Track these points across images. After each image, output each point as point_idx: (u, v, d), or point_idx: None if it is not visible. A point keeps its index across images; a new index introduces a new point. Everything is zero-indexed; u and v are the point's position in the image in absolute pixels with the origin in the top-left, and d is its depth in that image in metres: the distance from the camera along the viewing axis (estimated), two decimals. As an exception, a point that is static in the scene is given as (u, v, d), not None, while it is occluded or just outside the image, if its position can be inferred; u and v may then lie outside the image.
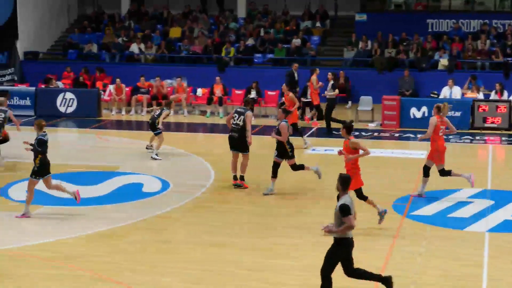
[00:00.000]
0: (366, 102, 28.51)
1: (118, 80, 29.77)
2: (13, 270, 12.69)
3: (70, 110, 28.40)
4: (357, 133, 24.71)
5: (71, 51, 34.49)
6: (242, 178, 18.17)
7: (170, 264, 12.93)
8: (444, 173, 17.01)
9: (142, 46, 33.66)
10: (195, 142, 25.11)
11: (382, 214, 14.83)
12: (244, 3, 36.54)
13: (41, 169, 15.52)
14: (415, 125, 26.07)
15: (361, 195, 14.75)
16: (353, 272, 10.98)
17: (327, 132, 25.01)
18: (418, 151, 22.09)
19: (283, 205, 16.81)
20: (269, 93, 29.30)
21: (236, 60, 33.02)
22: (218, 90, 29.28)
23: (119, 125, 27.55)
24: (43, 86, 30.59)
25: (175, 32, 34.92)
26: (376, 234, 14.61)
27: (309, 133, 25.50)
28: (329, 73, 25.80)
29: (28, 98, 29.09)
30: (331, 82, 25.23)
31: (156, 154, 21.22)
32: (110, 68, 32.75)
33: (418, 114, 26.50)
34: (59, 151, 21.51)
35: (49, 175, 15.66)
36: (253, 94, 28.65)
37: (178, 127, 27.46)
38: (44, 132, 15.58)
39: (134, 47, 33.61)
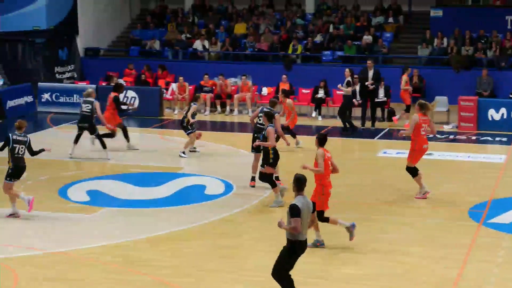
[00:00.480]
0: (441, 102, 27.39)
1: (181, 78, 29.46)
2: (70, 274, 12.64)
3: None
4: (431, 136, 23.73)
5: (133, 47, 34.05)
6: (277, 178, 17.49)
7: (234, 270, 12.81)
8: (410, 171, 16.84)
9: (206, 43, 33.00)
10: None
11: (351, 229, 13.85)
12: (313, -3, 35.75)
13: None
14: (493, 127, 25.40)
15: (321, 218, 13.86)
16: (283, 277, 10.94)
17: (344, 129, 24.92)
18: (497, 155, 21.74)
19: (350, 211, 16.35)
20: (338, 92, 28.33)
21: (303, 57, 32.20)
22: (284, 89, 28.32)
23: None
24: (104, 83, 30.31)
25: (240, 28, 34.21)
26: (450, 243, 14.21)
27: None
28: (347, 69, 25.53)
29: (78, 96, 28.60)
30: (348, 78, 24.93)
31: (183, 152, 21.07)
32: (173, 65, 32.28)
33: (497, 116, 25.68)
34: (119, 151, 21.53)
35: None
36: (321, 94, 27.94)
37: (242, 127, 27.09)
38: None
39: (198, 44, 32.99)
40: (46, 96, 28.97)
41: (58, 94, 28.96)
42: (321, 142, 14.10)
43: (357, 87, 26.41)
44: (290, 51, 32.11)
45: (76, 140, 21.05)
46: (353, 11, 34.63)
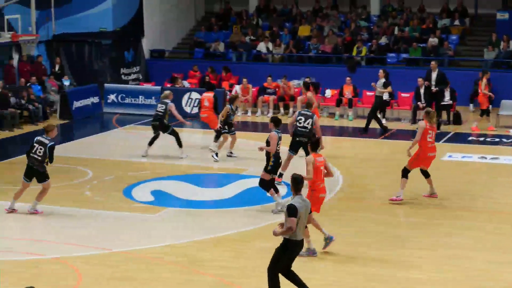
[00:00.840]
0: (508, 106, 27.17)
1: (244, 80, 29.50)
2: (136, 273, 12.74)
3: (195, 110, 27.84)
4: (497, 140, 24.02)
5: (198, 50, 34.22)
6: (281, 175, 17.69)
7: (298, 272, 12.29)
8: (404, 172, 16.75)
9: (270, 45, 32.98)
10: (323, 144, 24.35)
11: (328, 241, 13.67)
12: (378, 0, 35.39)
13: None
14: (562, 131, 24.98)
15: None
16: (274, 274, 11.09)
17: (363, 131, 24.21)
18: None
19: (412, 215, 16.27)
20: (403, 95, 28.20)
21: (367, 59, 31.93)
22: (348, 92, 28.51)
23: (245, 126, 27.22)
24: (168, 85, 30.43)
25: (304, 30, 34.13)
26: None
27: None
28: (380, 70, 25.06)
29: (153, 97, 28.90)
30: (383, 79, 24.51)
31: (216, 154, 20.90)
32: (237, 67, 32.31)
33: None
34: (184, 152, 21.47)
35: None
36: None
37: None
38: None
39: (262, 46, 33.02)
40: (112, 97, 29.28)
41: (124, 95, 29.24)
42: (314, 147, 13.99)
43: (422, 90, 26.16)
44: (354, 53, 31.91)
45: (151, 142, 21.24)
46: (418, 13, 34.28)
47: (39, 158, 15.49)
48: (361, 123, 26.34)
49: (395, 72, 30.33)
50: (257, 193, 17.67)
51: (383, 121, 26.15)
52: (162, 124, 20.81)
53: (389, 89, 24.94)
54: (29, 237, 14.67)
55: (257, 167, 19.99)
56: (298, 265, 11.62)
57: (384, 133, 24.60)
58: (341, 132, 26.46)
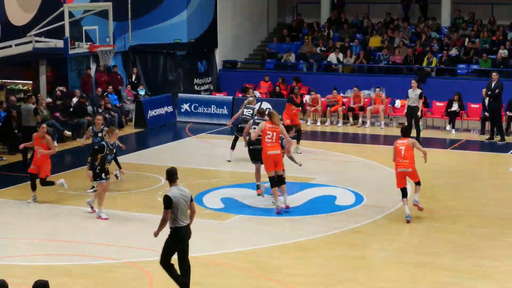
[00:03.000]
0: None
1: (313, 91, 29.60)
2: (205, 278, 12.83)
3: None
4: None
5: (269, 60, 34.57)
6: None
7: (368, 281, 12.71)
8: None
9: (341, 55, 33.18)
10: (391, 155, 24.24)
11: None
12: (449, 11, 35.30)
13: None
14: None
15: None
16: (167, 264, 11.64)
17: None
18: None
19: (484, 225, 16.14)
20: (472, 105, 28.07)
21: (438, 70, 31.86)
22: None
23: (314, 136, 27.40)
24: (240, 95, 30.84)
25: (374, 41, 34.27)
26: None
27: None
28: (413, 81, 25.33)
29: (225, 107, 29.56)
30: (418, 90, 24.87)
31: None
32: (307, 78, 32.48)
33: None
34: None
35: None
36: (455, 107, 27.68)
37: (374, 139, 27.03)
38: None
39: (332, 57, 33.24)
40: (185, 106, 29.91)
41: (196, 104, 29.85)
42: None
43: (486, 100, 26.12)
44: (424, 64, 31.92)
45: (233, 146, 21.90)
46: (489, 25, 34.07)
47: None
48: (431, 133, 26.50)
49: (465, 83, 30.38)
50: (325, 202, 17.90)
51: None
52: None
53: (421, 101, 25.05)
54: (106, 242, 15.00)
55: (325, 176, 20.35)
56: (366, 273, 11.73)
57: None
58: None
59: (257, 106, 22.40)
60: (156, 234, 11.78)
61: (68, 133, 25.24)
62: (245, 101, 22.33)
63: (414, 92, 24.91)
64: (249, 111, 21.33)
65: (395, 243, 14.89)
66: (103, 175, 16.46)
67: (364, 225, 16.03)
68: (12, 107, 24.46)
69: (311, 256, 14.09)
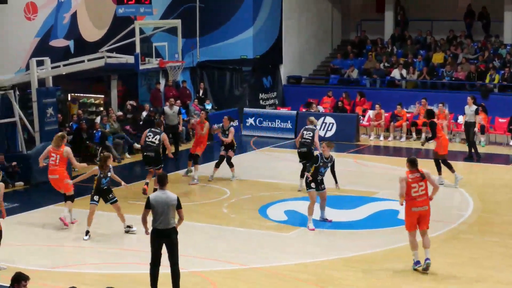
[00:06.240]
0: None
1: (377, 105, 29.90)
2: None
3: (329, 134, 28.71)
4: None
5: (333, 76, 34.87)
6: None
7: None
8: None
9: (404, 71, 33.41)
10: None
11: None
12: (511, 28, 35.16)
13: None
14: None
15: None
16: (150, 263, 12.53)
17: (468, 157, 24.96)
18: None
19: None
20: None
21: (500, 87, 31.82)
22: (480, 118, 28.22)
23: (377, 150, 27.59)
24: (304, 110, 31.24)
25: (438, 57, 34.36)
26: None
27: None
28: (469, 97, 25.85)
29: (289, 121, 30.00)
30: (474, 106, 25.40)
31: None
32: (370, 93, 32.71)
33: None
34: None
35: None
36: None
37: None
38: None
39: (396, 73, 33.47)
40: (250, 120, 30.50)
41: (261, 119, 30.40)
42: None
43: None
44: (487, 81, 31.95)
45: (302, 175, 20.04)
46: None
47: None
48: (493, 149, 26.47)
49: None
50: (387, 215, 18.03)
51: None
52: (309, 152, 20.04)
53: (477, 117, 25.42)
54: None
55: (389, 190, 20.24)
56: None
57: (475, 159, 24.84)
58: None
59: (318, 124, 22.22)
60: (145, 232, 12.75)
61: (137, 145, 25.98)
62: (308, 121, 21.03)
63: (470, 109, 25.24)
64: (309, 134, 20.19)
65: (456, 257, 14.97)
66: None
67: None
68: (80, 120, 25.59)
69: (372, 269, 14.19)
